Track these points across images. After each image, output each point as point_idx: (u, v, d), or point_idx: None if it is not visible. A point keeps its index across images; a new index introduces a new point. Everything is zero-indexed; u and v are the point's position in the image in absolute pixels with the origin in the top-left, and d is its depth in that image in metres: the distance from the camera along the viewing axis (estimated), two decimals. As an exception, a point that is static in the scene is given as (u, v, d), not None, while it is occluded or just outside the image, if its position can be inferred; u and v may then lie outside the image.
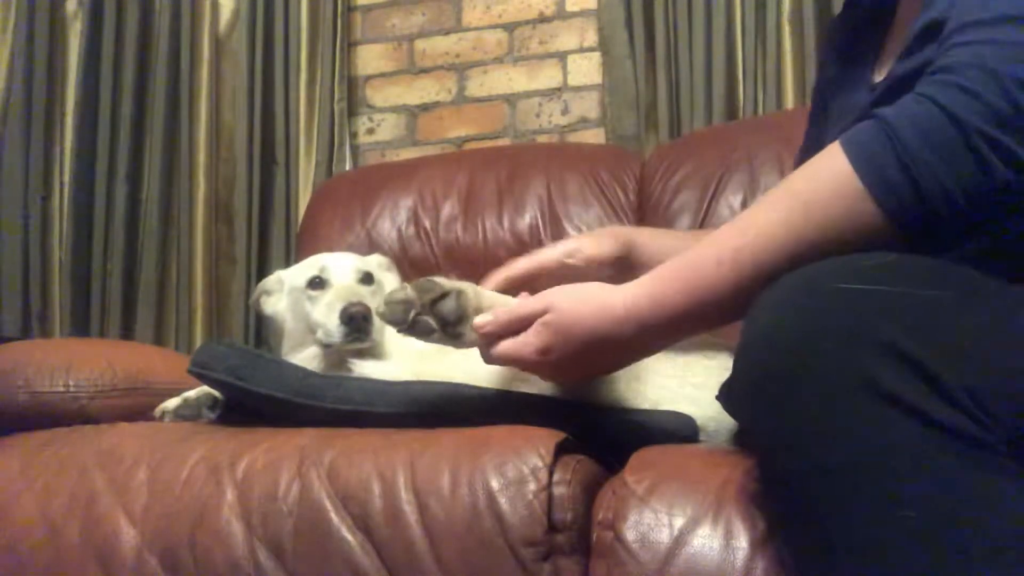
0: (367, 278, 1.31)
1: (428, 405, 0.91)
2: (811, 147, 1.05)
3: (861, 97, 0.87)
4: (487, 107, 2.25)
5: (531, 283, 0.93)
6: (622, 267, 0.98)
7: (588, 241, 1.01)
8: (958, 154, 0.61)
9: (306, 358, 1.25)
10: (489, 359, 0.82)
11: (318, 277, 1.28)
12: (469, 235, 1.77)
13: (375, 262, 1.40)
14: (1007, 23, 0.64)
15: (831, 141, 0.90)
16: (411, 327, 0.82)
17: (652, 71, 2.04)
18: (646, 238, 1.04)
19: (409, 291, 0.82)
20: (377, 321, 1.21)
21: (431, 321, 0.82)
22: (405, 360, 1.10)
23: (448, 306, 0.81)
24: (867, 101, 0.84)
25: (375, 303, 1.26)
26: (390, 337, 1.24)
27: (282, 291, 1.37)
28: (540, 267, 0.98)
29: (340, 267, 1.30)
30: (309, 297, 1.27)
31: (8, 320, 2.22)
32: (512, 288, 0.93)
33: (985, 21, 0.65)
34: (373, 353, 1.20)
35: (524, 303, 0.80)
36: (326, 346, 1.22)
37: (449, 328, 0.82)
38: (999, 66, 0.62)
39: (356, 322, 1.17)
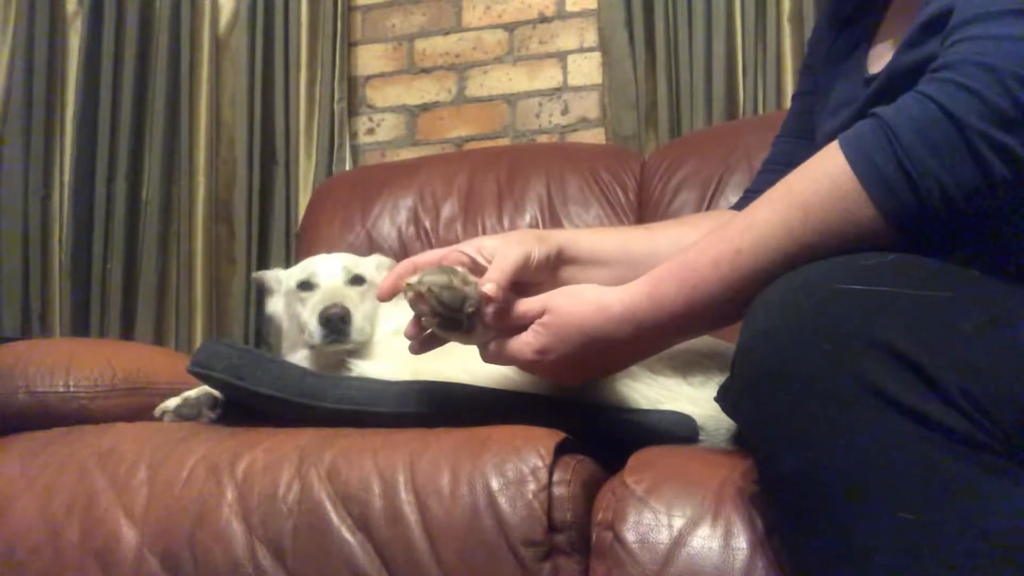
0: (357, 279, 1.31)
1: (428, 405, 0.91)
2: (797, 133, 1.05)
3: (855, 88, 0.87)
4: (487, 107, 2.25)
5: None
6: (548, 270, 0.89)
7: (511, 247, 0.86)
8: (957, 154, 0.61)
9: (301, 358, 1.26)
10: (488, 358, 0.82)
11: (307, 280, 1.30)
12: (469, 235, 1.77)
13: (374, 262, 1.40)
14: (1011, 17, 0.63)
15: (824, 132, 0.91)
16: (457, 319, 0.78)
17: (652, 71, 2.04)
18: (571, 237, 0.92)
19: (458, 272, 0.78)
20: (358, 322, 1.21)
21: (460, 315, 0.79)
22: (404, 360, 1.10)
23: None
24: (863, 94, 0.83)
25: (365, 304, 1.26)
26: (387, 338, 1.24)
27: (280, 291, 1.38)
28: (442, 259, 0.86)
29: (327, 269, 1.31)
30: (299, 299, 1.29)
31: (8, 320, 2.22)
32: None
33: (989, 15, 0.64)
34: (363, 354, 1.20)
35: (523, 302, 0.80)
36: (311, 347, 1.23)
37: (468, 322, 0.80)
38: (1001, 63, 0.61)
39: (333, 323, 1.19)
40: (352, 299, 1.24)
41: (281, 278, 1.40)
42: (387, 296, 0.84)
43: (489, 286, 0.78)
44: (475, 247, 0.86)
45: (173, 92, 2.26)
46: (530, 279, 0.85)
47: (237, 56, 2.25)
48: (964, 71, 0.62)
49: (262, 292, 1.46)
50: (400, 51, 2.32)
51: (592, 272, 0.90)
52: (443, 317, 0.78)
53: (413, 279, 0.79)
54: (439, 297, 0.77)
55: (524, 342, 0.78)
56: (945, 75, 0.64)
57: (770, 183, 0.98)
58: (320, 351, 1.22)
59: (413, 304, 0.80)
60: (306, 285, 1.30)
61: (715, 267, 0.70)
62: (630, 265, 0.90)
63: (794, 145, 1.04)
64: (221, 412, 1.06)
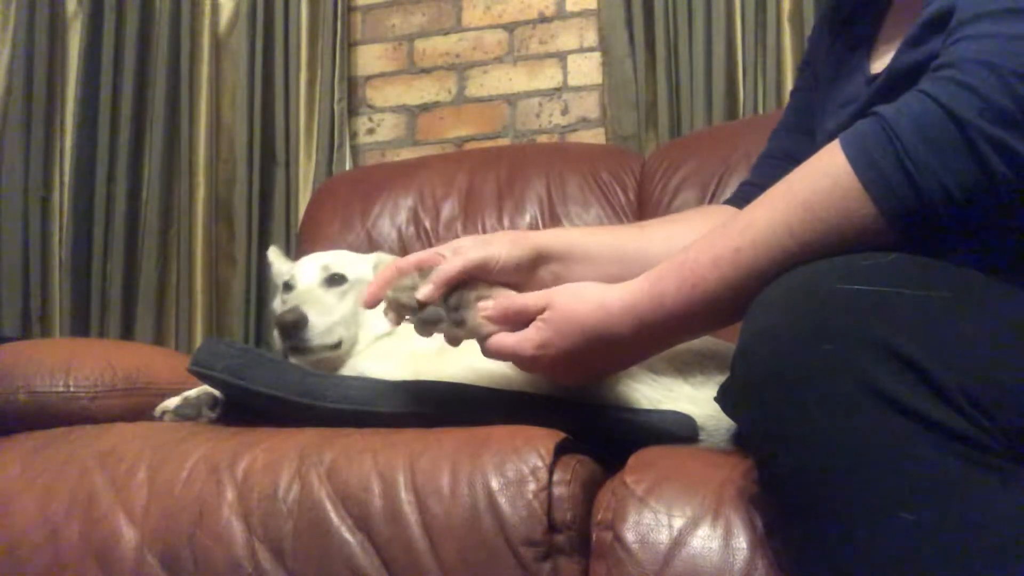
0: (336, 279, 1.29)
1: (428, 405, 0.91)
2: (794, 127, 1.05)
3: (857, 87, 0.87)
4: (487, 107, 2.25)
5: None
6: (529, 270, 0.89)
7: (494, 248, 0.86)
8: (957, 153, 0.61)
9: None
10: (488, 353, 0.82)
11: (288, 282, 1.30)
12: (469, 235, 1.77)
13: (373, 261, 1.38)
14: (1012, 16, 0.63)
15: (825, 131, 0.91)
16: (420, 312, 0.82)
17: (652, 71, 2.04)
18: (558, 237, 0.93)
19: (416, 277, 0.83)
20: (320, 326, 1.19)
21: (440, 309, 0.82)
22: (404, 360, 1.10)
23: (456, 292, 0.82)
24: (865, 93, 0.83)
25: (343, 305, 1.25)
26: (383, 338, 1.24)
27: (277, 291, 1.39)
28: (421, 262, 0.87)
29: (305, 271, 1.30)
30: (283, 301, 1.29)
31: (8, 320, 2.22)
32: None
33: (990, 14, 0.64)
34: (353, 353, 1.20)
35: (525, 296, 0.80)
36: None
37: (453, 314, 0.81)
38: (1002, 61, 0.61)
39: (287, 329, 1.17)
40: (323, 302, 1.22)
41: (279, 277, 1.40)
42: (372, 304, 0.87)
43: (422, 290, 0.81)
44: (452, 248, 0.87)
45: (173, 92, 2.26)
46: (500, 280, 0.85)
47: (237, 56, 2.25)
48: (965, 69, 0.62)
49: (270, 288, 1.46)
50: (400, 51, 2.32)
51: (584, 269, 0.90)
52: (418, 317, 0.83)
53: (389, 293, 0.83)
54: (398, 300, 0.82)
55: (525, 337, 0.78)
56: (946, 73, 0.63)
57: (766, 175, 0.98)
58: (290, 355, 1.20)
59: (385, 311, 0.86)
60: (288, 287, 1.30)
61: (715, 266, 0.70)
62: (623, 263, 0.90)
63: (791, 140, 1.05)
64: (221, 412, 1.06)
